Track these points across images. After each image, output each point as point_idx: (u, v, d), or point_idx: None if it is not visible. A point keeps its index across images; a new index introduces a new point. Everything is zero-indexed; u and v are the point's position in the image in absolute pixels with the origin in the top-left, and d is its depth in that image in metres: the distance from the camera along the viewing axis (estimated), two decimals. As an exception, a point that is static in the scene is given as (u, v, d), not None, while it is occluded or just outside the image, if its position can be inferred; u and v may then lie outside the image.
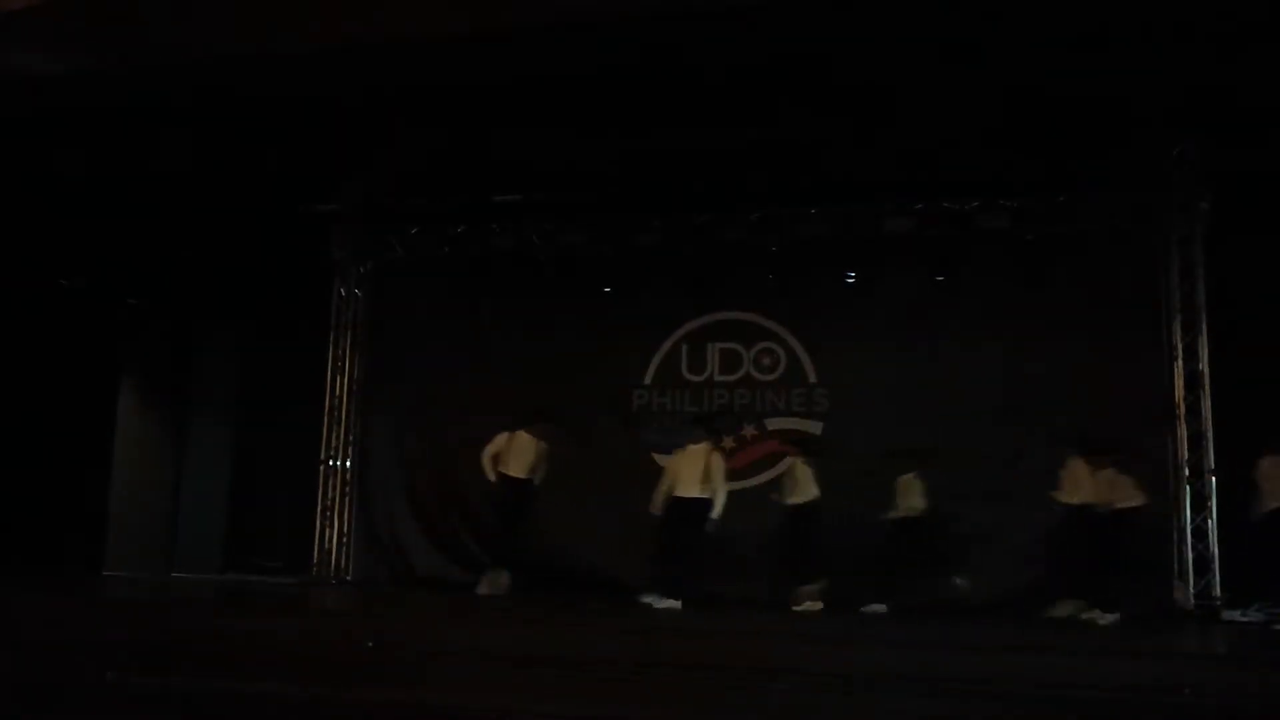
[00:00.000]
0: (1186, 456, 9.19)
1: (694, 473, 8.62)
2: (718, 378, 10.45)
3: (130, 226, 10.86)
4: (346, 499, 11.16)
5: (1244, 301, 9.16)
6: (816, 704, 4.91)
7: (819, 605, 8.69)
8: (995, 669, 5.22)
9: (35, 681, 5.37)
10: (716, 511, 8.54)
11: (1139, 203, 9.57)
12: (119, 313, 11.64)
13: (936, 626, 7.58)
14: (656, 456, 9.85)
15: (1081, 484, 8.58)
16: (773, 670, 5.06)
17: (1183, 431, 9.23)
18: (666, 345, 10.65)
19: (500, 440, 9.37)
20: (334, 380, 11.27)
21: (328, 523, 11.12)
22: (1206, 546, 9.03)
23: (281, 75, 8.63)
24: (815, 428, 10.09)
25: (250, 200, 10.74)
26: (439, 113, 9.40)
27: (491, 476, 9.37)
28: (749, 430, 10.22)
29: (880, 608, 8.70)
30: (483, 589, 9.27)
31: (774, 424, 10.20)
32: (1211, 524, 9.05)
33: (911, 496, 9.09)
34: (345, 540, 11.13)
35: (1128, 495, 8.57)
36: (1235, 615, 8.67)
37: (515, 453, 9.32)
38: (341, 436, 11.20)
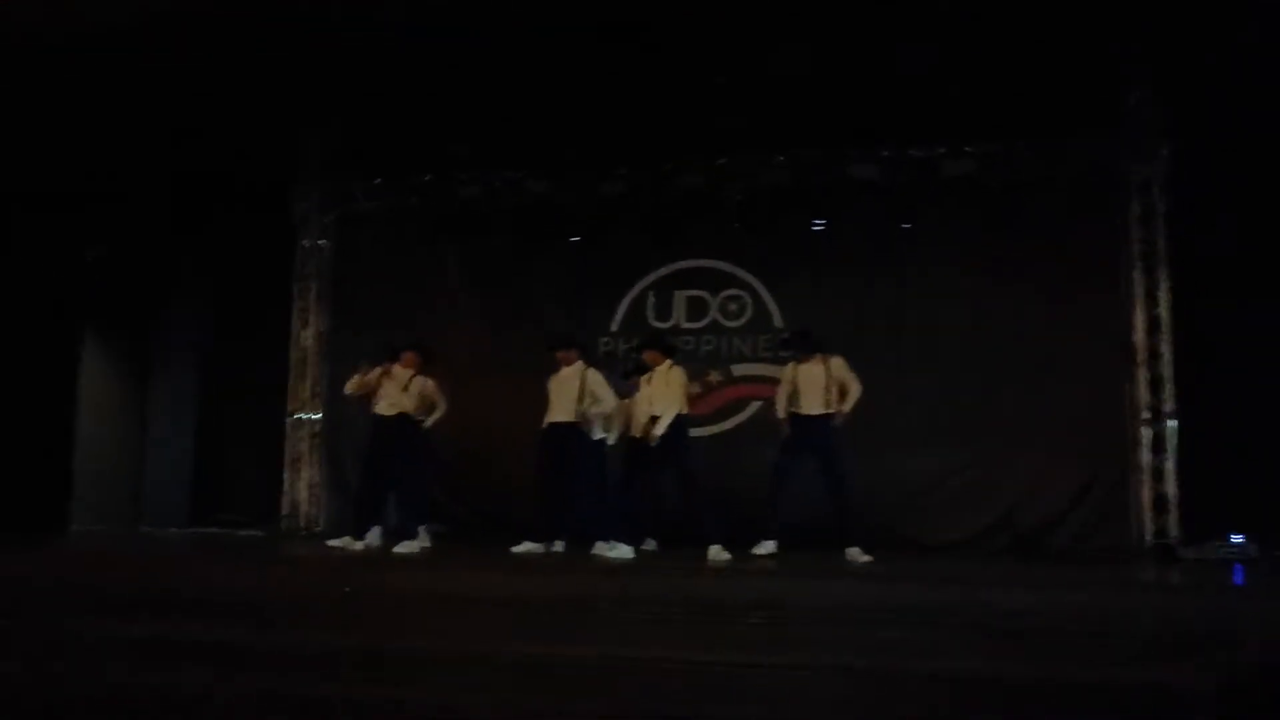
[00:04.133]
0: (1147, 399, 9.35)
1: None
2: (684, 324, 10.48)
3: (89, 179, 10.71)
4: (316, 450, 11.16)
5: (1204, 246, 9.26)
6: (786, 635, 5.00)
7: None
8: (958, 601, 5.33)
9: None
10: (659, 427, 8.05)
11: (1099, 149, 9.64)
12: (80, 266, 11.47)
13: (902, 562, 7.71)
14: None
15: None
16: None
17: (1143, 375, 9.38)
18: (633, 293, 10.66)
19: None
20: (299, 332, 11.23)
21: (296, 475, 11.12)
22: (1165, 487, 9.20)
23: (240, 23, 8.51)
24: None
25: (212, 150, 10.59)
26: (401, 60, 9.32)
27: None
28: (715, 376, 10.28)
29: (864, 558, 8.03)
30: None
31: (741, 370, 10.28)
32: (1170, 465, 9.22)
33: None
34: (315, 492, 11.14)
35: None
36: (1192, 553, 8.86)
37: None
38: (309, 388, 11.18)
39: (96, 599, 5.81)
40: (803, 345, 8.47)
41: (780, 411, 8.41)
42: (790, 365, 8.51)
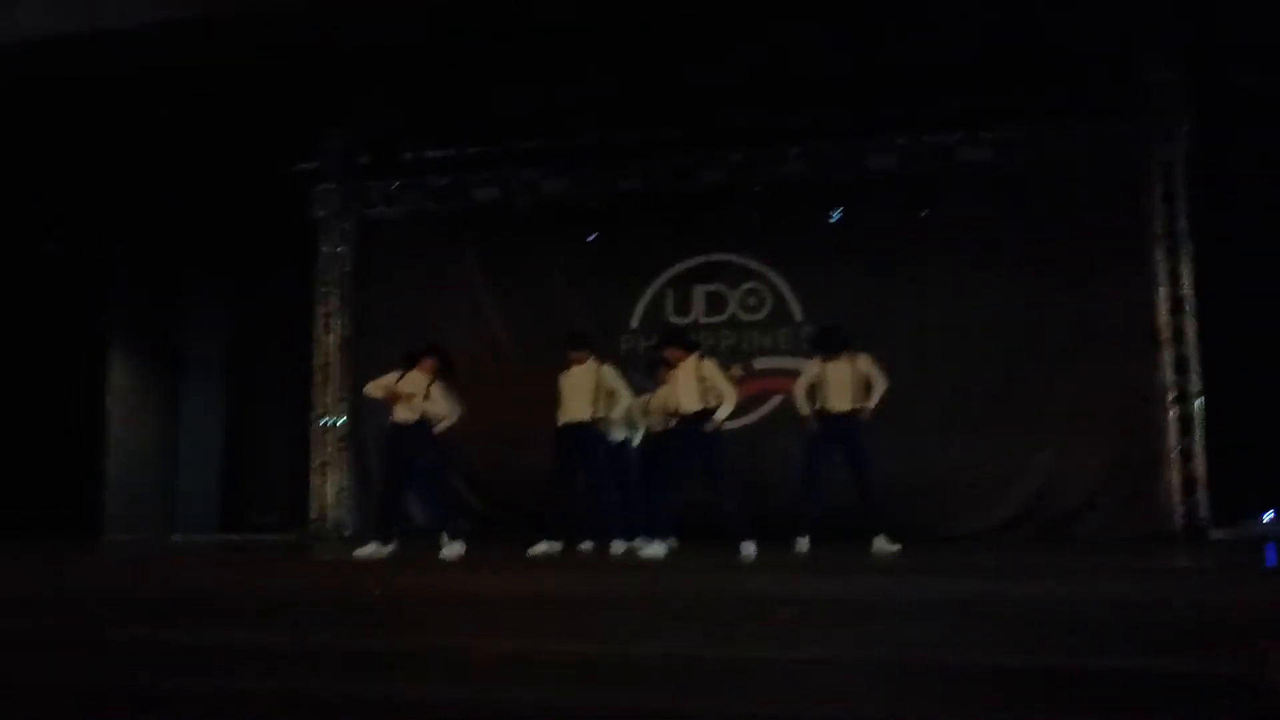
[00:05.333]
0: (1173, 380, 9.29)
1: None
2: (704, 320, 10.48)
3: (112, 189, 10.81)
4: (343, 455, 11.23)
5: (1227, 224, 9.19)
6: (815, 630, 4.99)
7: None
8: (991, 591, 5.32)
9: (41, 638, 5.42)
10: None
11: (1119, 130, 9.58)
12: (104, 276, 11.56)
13: (929, 554, 7.68)
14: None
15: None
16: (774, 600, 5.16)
17: (1168, 356, 9.32)
18: (652, 289, 10.69)
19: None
20: (323, 336, 11.29)
21: (323, 479, 11.19)
22: (1193, 468, 9.15)
23: (260, 31, 8.56)
24: (803, 365, 10.12)
25: (232, 159, 10.68)
26: (418, 64, 9.36)
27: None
28: (736, 370, 10.26)
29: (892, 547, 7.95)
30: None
31: (762, 363, 10.28)
32: (1198, 446, 9.16)
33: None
34: (343, 496, 11.22)
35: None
36: (1222, 534, 8.82)
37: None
38: (334, 392, 11.25)
39: (133, 605, 5.87)
40: (833, 345, 8.35)
41: (803, 407, 8.29)
42: (816, 361, 8.39)
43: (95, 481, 11.34)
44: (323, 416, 11.24)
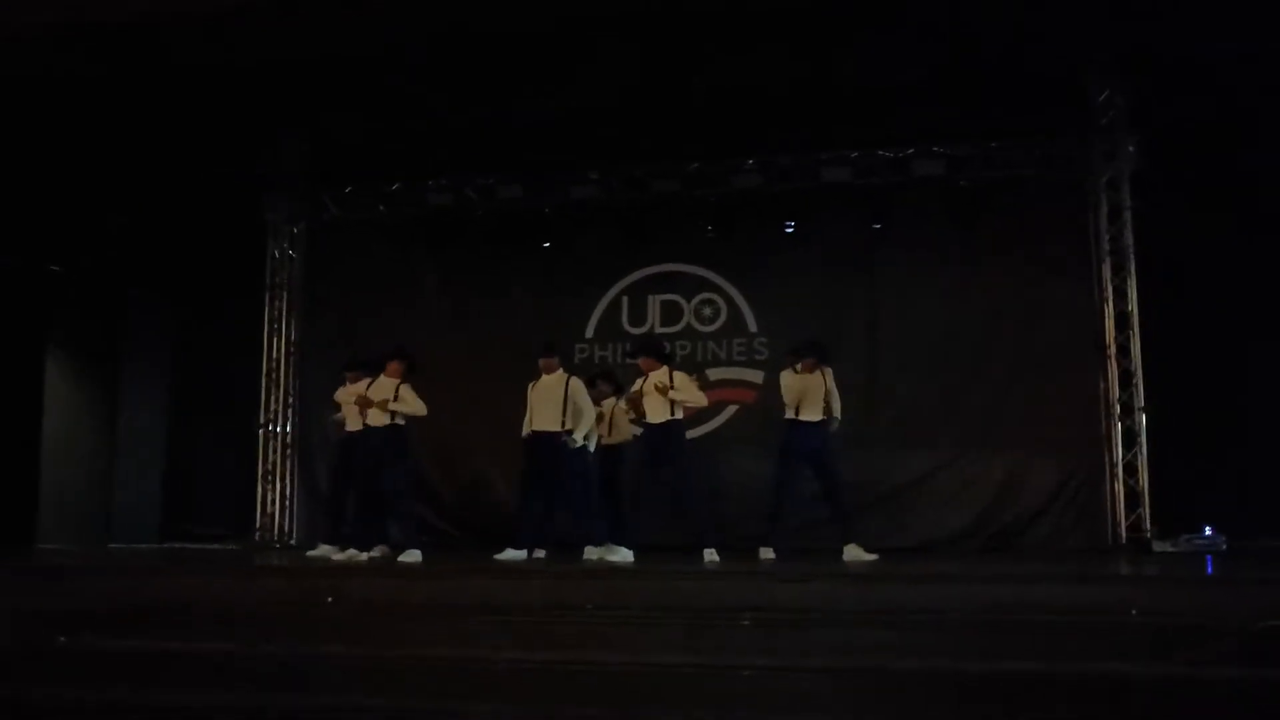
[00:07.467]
0: (1118, 395, 9.44)
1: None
2: (659, 329, 10.47)
3: (53, 192, 10.58)
4: (288, 463, 11.06)
5: (1171, 242, 9.37)
6: (774, 639, 5.00)
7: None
8: (947, 599, 5.36)
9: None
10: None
11: (1069, 147, 9.74)
12: (44, 280, 11.29)
13: (883, 562, 7.73)
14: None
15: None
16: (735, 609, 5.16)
17: (1113, 370, 9.48)
18: (607, 298, 10.66)
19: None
20: (271, 343, 11.13)
21: (269, 487, 11.02)
22: (1137, 482, 9.30)
23: (211, 37, 8.45)
24: (757, 376, 10.19)
25: (181, 161, 10.50)
26: (372, 73, 9.29)
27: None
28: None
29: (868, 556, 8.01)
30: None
31: (716, 374, 10.29)
32: (1142, 460, 9.32)
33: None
34: (288, 504, 11.04)
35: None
36: (1165, 546, 8.96)
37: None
38: (281, 400, 11.08)
39: (74, 615, 5.72)
40: (822, 355, 8.43)
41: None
42: (790, 373, 8.40)
43: (29, 488, 11.04)
44: (269, 423, 11.06)
